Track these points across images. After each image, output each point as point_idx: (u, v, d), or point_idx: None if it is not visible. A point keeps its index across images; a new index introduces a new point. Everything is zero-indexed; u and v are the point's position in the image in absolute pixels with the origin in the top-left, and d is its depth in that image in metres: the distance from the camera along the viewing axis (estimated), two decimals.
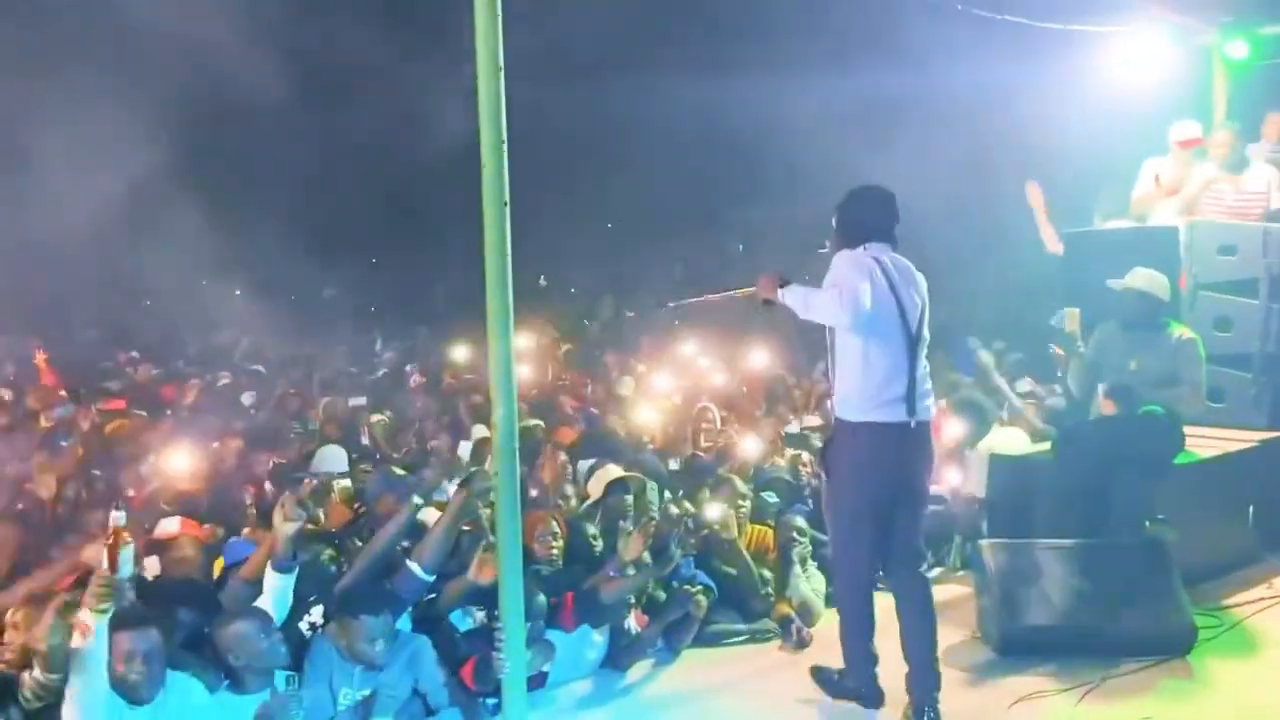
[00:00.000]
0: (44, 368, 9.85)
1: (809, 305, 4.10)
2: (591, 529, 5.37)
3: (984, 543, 5.28)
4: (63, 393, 8.89)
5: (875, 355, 4.05)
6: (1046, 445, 6.07)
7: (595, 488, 5.71)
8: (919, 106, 11.39)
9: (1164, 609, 4.89)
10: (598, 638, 4.83)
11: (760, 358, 9.56)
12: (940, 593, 4.71)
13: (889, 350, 4.07)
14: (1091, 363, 6.29)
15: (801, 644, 5.13)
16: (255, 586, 3.98)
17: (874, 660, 4.28)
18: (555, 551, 5.05)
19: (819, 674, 4.50)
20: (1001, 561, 5.05)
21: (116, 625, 3.30)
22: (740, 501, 5.68)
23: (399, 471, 5.51)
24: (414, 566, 4.17)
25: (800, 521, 5.73)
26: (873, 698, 4.27)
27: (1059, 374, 7.40)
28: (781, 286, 4.18)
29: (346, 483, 5.72)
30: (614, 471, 5.74)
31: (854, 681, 4.31)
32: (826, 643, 5.12)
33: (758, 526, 5.77)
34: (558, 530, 5.12)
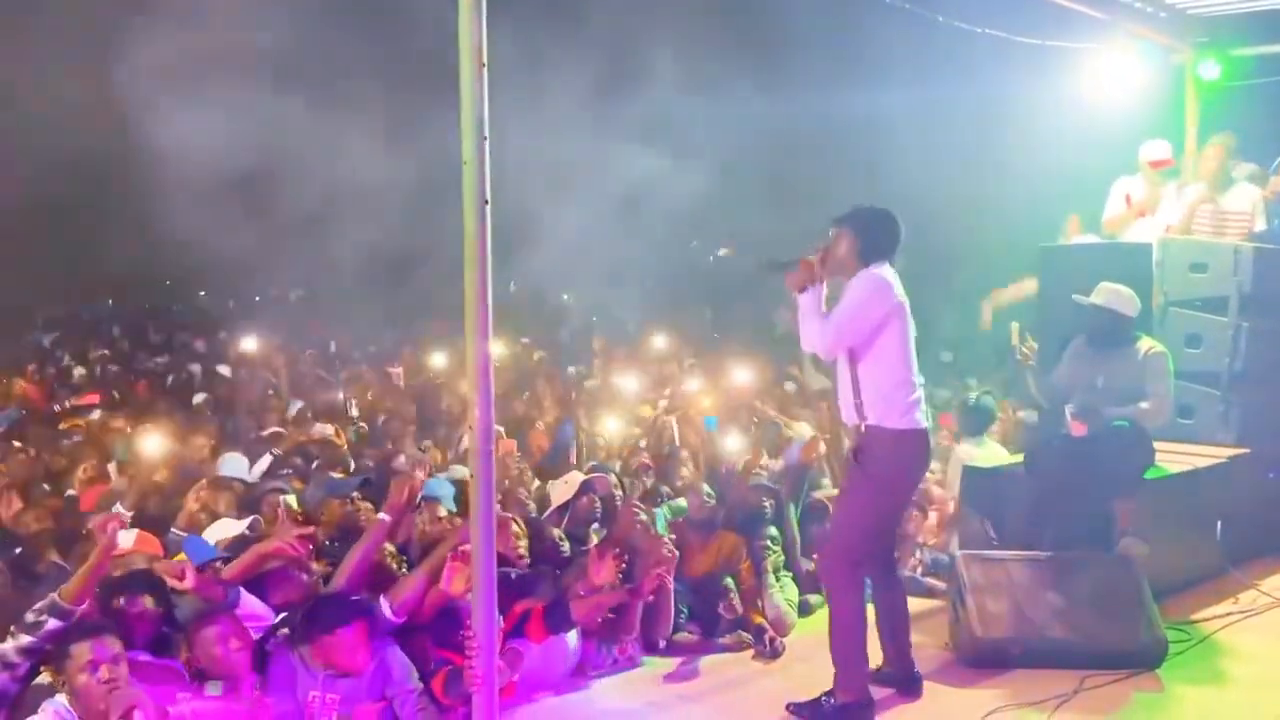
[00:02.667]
0: None
1: (806, 320, 4.25)
2: (557, 531, 5.34)
3: (957, 553, 5.28)
4: None
5: (906, 364, 4.23)
6: (1019, 458, 6.09)
7: (563, 491, 5.66)
8: (897, 118, 11.45)
9: (1135, 623, 4.90)
10: (568, 645, 4.76)
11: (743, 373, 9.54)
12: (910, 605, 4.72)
13: (910, 360, 4.26)
14: (1060, 378, 6.31)
15: (775, 654, 5.10)
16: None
17: (868, 661, 4.34)
18: (521, 552, 5.00)
19: (804, 709, 4.38)
20: (974, 573, 5.04)
21: (75, 638, 3.20)
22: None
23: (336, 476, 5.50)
24: (385, 606, 4.12)
25: (774, 531, 5.70)
26: (870, 701, 4.30)
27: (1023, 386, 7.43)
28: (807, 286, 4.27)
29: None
30: (579, 476, 5.71)
31: (851, 689, 4.25)
32: (800, 652, 5.12)
33: (729, 536, 5.73)
34: (519, 531, 5.08)
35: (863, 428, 4.24)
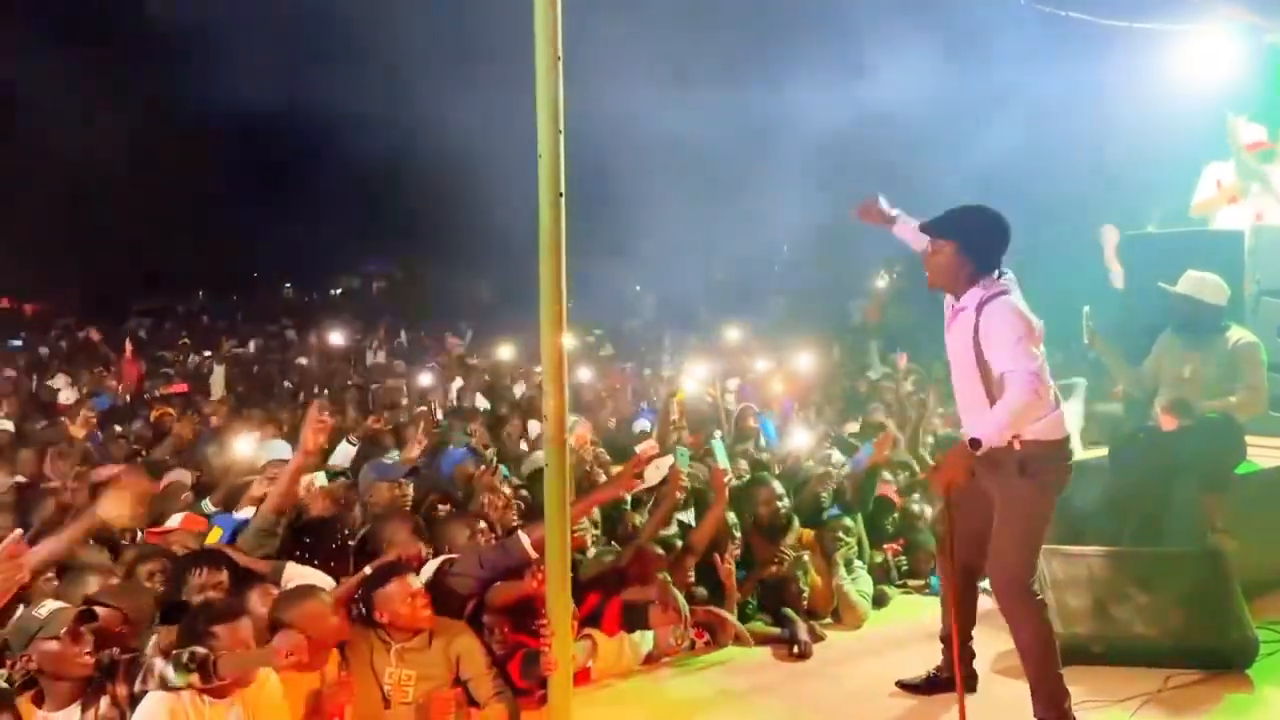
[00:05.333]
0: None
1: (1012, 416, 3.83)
2: (639, 517, 5.40)
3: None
4: None
5: (1049, 376, 3.90)
6: (1102, 451, 5.94)
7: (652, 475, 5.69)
8: (983, 104, 11.21)
9: (1224, 621, 4.75)
10: (639, 638, 4.81)
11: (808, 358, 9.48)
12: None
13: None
14: (1149, 370, 6.13)
15: (803, 655, 4.97)
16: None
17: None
18: (589, 540, 5.09)
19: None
20: (1055, 569, 4.94)
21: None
22: (779, 501, 5.64)
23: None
24: (525, 541, 4.20)
25: (848, 522, 5.66)
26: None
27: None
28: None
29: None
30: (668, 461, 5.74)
31: (1054, 709, 4.05)
32: (872, 645, 5.10)
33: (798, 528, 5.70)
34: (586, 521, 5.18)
35: (1017, 444, 3.89)
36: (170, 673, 3.29)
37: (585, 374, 10.45)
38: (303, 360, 13.57)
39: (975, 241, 3.98)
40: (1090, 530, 5.44)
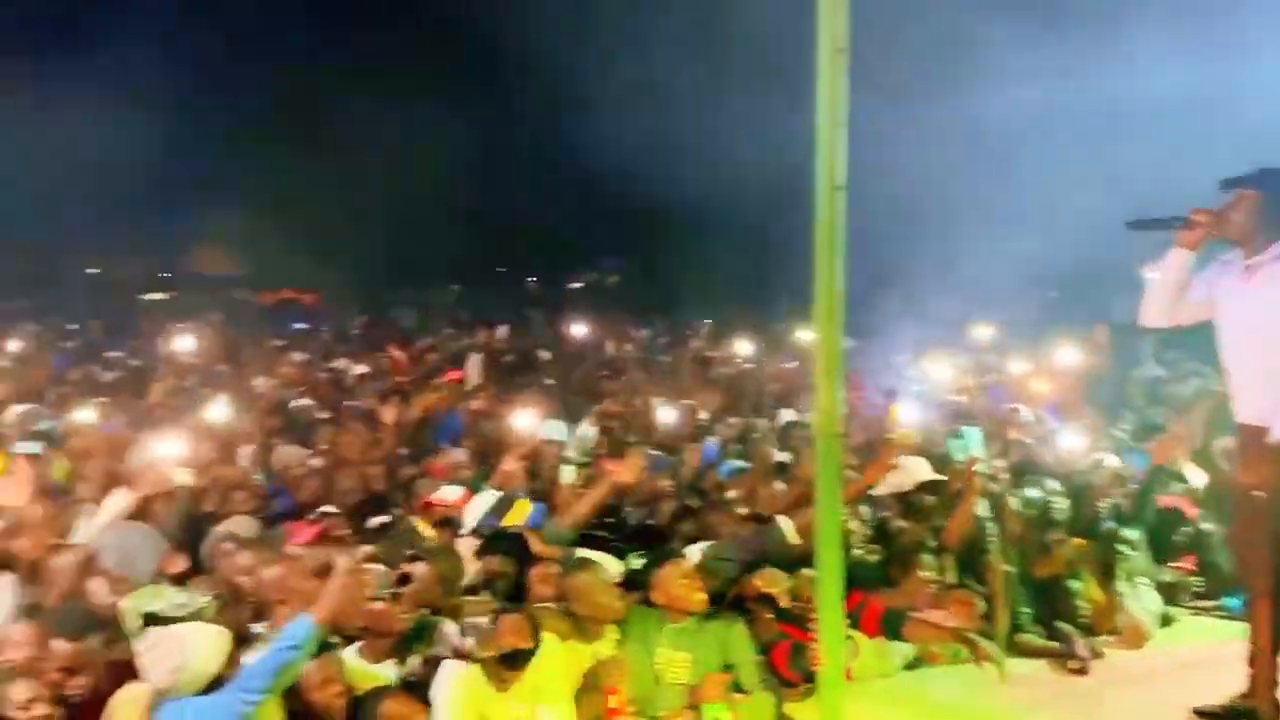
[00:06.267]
0: None
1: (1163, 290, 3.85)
2: (899, 522, 5.28)
3: None
4: None
5: None
6: None
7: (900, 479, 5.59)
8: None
9: None
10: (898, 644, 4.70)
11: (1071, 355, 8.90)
12: None
13: None
14: None
15: (1080, 670, 4.71)
16: None
17: None
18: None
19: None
20: None
21: None
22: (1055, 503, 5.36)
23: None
24: (788, 528, 4.26)
25: (1129, 533, 5.29)
26: None
27: None
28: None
29: None
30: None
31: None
32: (1158, 664, 4.74)
33: (1071, 540, 5.35)
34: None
35: None
36: (467, 642, 3.55)
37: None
38: (547, 350, 14.17)
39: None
40: None
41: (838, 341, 3.76)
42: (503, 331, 15.35)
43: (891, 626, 4.56)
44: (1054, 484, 5.63)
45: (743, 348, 12.30)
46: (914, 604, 4.64)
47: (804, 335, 11.86)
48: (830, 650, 3.79)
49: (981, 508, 5.21)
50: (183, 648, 3.25)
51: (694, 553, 4.49)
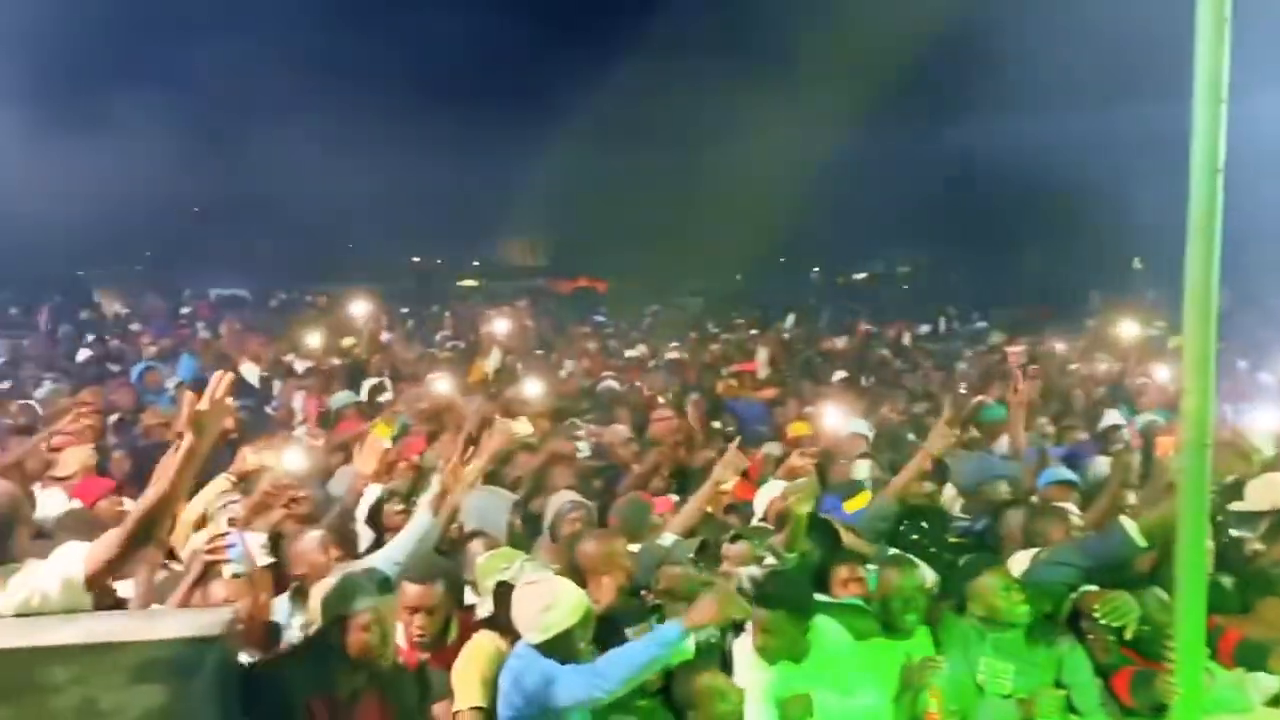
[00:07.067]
0: None
1: None
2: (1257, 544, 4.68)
3: None
4: None
5: None
6: None
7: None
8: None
9: None
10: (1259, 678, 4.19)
11: None
12: None
13: None
14: None
15: None
16: None
17: None
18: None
19: None
20: None
21: None
22: None
23: None
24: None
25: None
26: None
27: None
28: None
29: None
30: None
31: None
32: None
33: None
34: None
35: None
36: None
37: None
38: (839, 342, 13.99)
39: None
40: None
41: (1210, 341, 3.42)
42: (790, 322, 15.37)
43: (1250, 657, 4.11)
44: None
45: (1056, 345, 11.63)
46: (1275, 634, 4.15)
47: (1125, 330, 10.99)
48: (1189, 683, 3.46)
49: None
50: (554, 590, 3.44)
51: (1023, 560, 4.25)
